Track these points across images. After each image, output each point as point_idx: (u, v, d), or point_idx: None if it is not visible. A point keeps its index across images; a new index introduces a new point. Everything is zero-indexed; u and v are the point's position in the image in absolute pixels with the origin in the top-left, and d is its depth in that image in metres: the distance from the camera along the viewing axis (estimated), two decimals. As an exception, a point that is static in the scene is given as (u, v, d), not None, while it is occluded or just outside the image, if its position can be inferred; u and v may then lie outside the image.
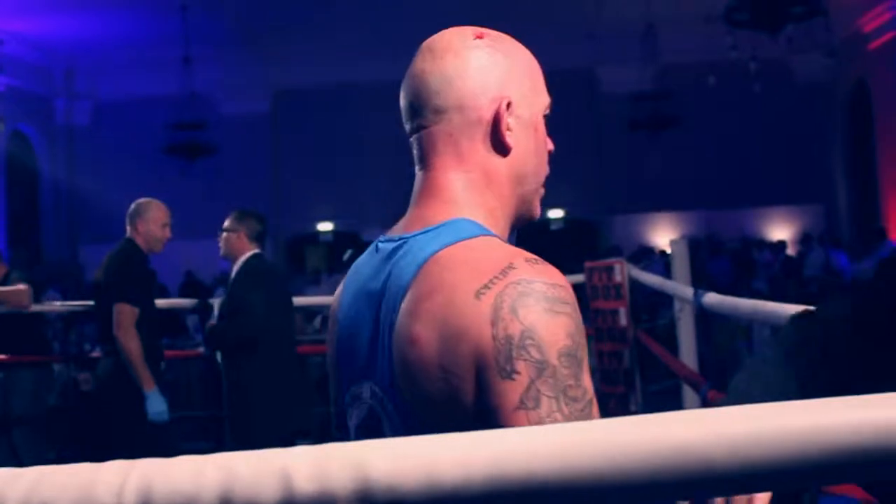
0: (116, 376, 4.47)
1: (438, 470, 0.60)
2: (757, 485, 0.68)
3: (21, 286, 5.30)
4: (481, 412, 1.00)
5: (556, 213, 16.97)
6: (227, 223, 4.72)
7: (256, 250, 4.70)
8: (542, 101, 1.27)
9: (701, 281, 6.89)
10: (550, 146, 1.30)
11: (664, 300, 8.47)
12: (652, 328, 8.95)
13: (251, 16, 14.56)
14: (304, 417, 4.91)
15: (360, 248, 6.23)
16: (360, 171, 16.39)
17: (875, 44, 14.08)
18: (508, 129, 1.21)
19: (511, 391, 0.99)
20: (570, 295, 1.06)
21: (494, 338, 1.00)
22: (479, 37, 1.25)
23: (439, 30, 1.29)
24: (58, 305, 7.94)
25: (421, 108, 1.24)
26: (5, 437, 6.15)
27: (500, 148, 1.21)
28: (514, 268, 1.05)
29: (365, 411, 1.17)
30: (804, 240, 15.23)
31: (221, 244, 4.72)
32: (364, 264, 1.26)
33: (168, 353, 5.36)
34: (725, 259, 13.59)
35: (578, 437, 0.64)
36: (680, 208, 16.60)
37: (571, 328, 1.03)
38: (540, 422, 0.98)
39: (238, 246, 4.69)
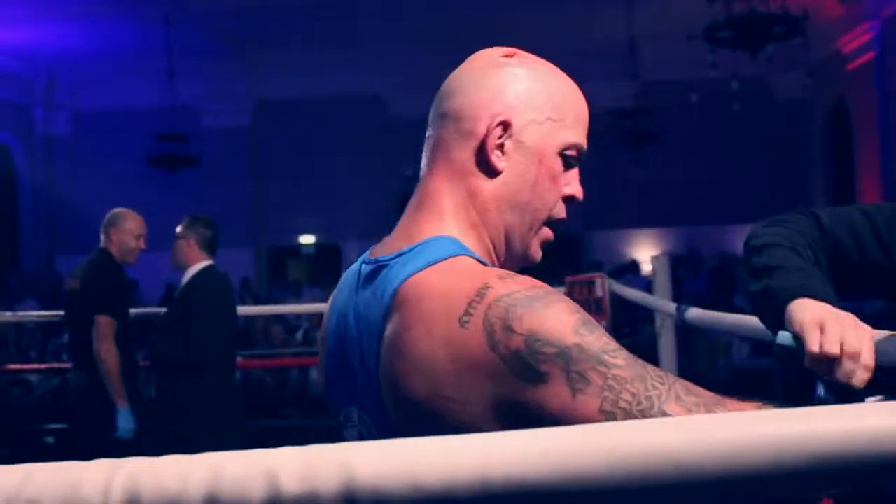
0: (88, 389, 4.42)
1: (424, 473, 0.60)
2: (742, 491, 0.68)
3: None
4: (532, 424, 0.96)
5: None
6: (178, 229, 4.50)
7: (208, 261, 4.47)
8: (565, 137, 1.21)
9: (681, 297, 6.92)
10: (574, 192, 1.24)
11: (645, 316, 8.50)
12: (633, 343, 8.97)
13: (233, 28, 14.55)
14: (239, 441, 4.42)
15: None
16: (342, 183, 16.39)
17: (854, 64, 14.22)
18: (500, 150, 1.16)
19: (554, 389, 0.97)
20: (550, 289, 1.05)
21: (503, 359, 0.98)
22: (510, 55, 1.22)
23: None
24: (34, 315, 7.89)
25: (431, 114, 1.22)
26: None
27: (487, 168, 1.16)
28: (489, 287, 1.02)
29: (355, 434, 1.16)
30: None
31: (171, 252, 4.50)
32: (346, 286, 1.22)
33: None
34: (705, 275, 13.67)
35: (565, 441, 0.64)
36: (661, 224, 16.68)
37: (569, 308, 1.02)
38: (602, 390, 0.96)
39: (188, 254, 4.45)
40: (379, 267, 1.14)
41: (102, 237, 4.60)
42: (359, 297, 1.16)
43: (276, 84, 16.36)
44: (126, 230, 4.58)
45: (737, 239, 16.70)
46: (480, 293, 1.02)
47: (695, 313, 3.22)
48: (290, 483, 0.58)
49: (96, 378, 4.38)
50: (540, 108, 1.18)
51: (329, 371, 1.22)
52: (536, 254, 1.24)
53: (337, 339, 1.19)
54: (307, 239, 17.41)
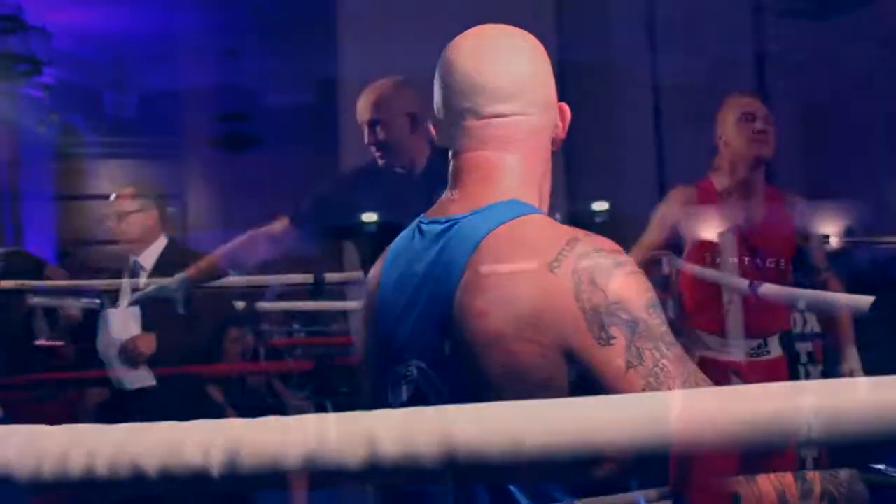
0: None
1: (523, 436, 0.59)
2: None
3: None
4: (580, 379, 1.03)
5: (601, 206, 16.82)
6: (129, 199, 3.64)
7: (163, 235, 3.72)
8: None
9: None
10: None
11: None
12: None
13: (296, 7, 14.62)
14: None
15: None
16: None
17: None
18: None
19: (614, 355, 1.03)
20: (629, 258, 1.12)
21: (582, 310, 1.04)
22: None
23: (481, 22, 1.33)
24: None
25: (508, 96, 1.24)
26: None
27: (551, 151, 1.30)
28: (578, 240, 1.10)
29: (412, 390, 1.18)
30: (848, 233, 15.01)
31: (133, 225, 3.62)
32: (406, 247, 1.28)
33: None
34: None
35: (656, 407, 0.64)
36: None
37: (645, 283, 1.09)
38: (649, 374, 1.02)
39: (155, 228, 3.67)
40: (453, 223, 1.19)
41: None
42: (424, 254, 1.21)
43: (339, 62, 16.42)
44: None
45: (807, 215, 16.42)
46: (571, 243, 1.09)
47: (768, 289, 3.15)
48: (389, 446, 0.58)
49: None
50: None
51: (382, 331, 1.24)
52: None
53: (395, 298, 1.23)
54: (369, 217, 17.49)
